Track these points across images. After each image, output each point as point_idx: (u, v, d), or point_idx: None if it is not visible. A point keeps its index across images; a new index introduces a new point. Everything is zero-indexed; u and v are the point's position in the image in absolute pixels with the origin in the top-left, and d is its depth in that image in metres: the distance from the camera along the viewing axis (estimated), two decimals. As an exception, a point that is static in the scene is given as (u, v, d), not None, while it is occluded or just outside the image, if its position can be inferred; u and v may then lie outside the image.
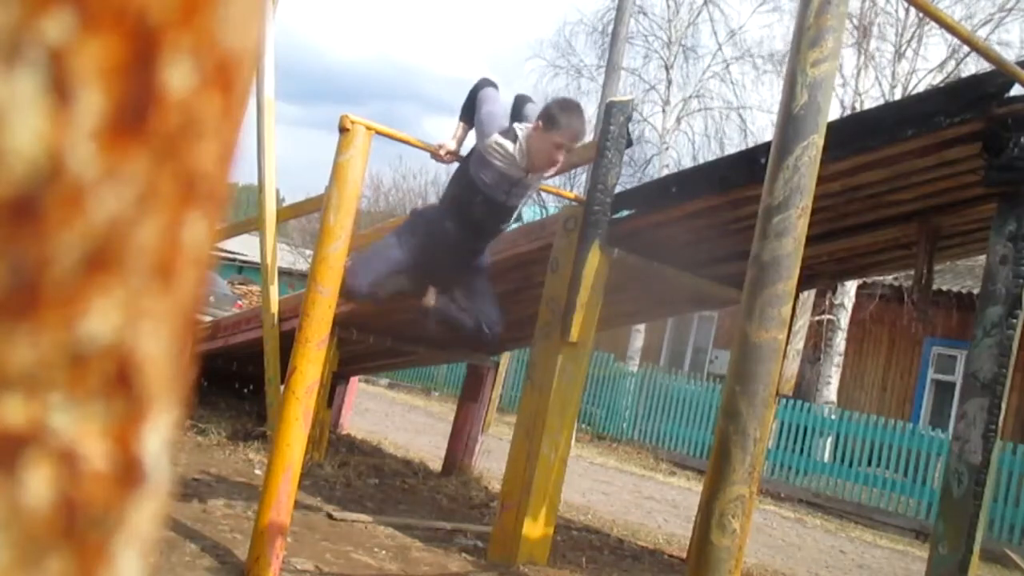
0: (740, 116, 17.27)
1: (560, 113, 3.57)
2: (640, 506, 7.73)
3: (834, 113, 2.50)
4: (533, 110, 3.86)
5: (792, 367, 4.77)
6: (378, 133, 3.48)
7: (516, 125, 3.66)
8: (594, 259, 4.05)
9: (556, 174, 4.02)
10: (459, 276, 3.91)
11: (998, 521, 9.61)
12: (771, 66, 16.47)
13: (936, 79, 13.55)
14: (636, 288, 4.77)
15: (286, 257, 19.02)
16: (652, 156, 17.22)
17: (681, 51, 17.14)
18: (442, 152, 3.80)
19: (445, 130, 4.33)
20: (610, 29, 17.08)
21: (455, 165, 3.87)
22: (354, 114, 3.40)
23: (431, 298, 3.90)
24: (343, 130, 3.38)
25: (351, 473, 5.36)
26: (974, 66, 12.63)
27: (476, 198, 3.67)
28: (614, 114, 4.10)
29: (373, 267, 3.73)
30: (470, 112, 3.75)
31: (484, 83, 3.81)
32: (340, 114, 3.39)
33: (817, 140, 2.22)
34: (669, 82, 17.02)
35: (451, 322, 3.93)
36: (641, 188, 4.59)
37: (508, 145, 3.59)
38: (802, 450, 11.69)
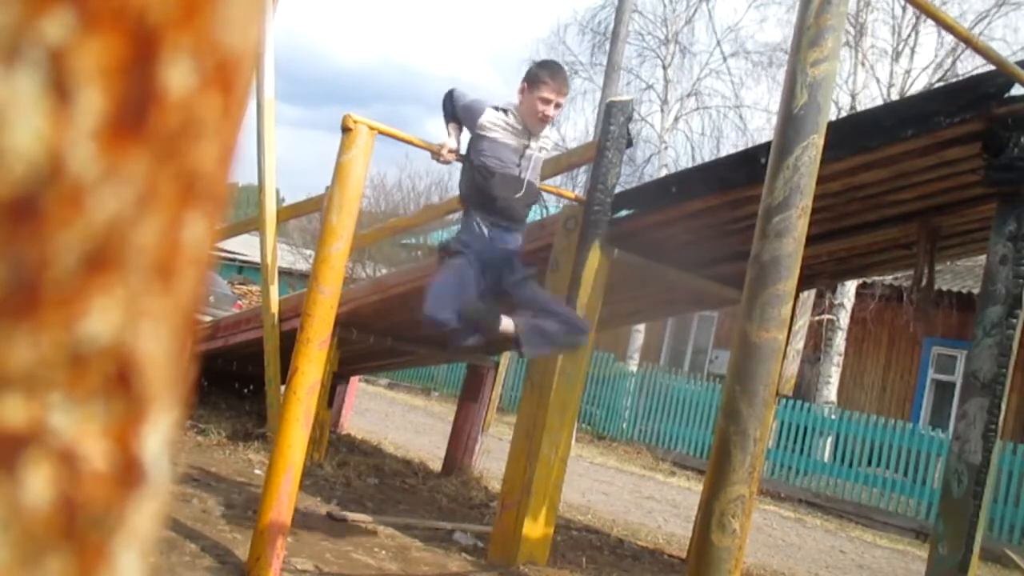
0: (739, 114, 17.27)
1: (540, 70, 3.68)
2: (640, 506, 7.73)
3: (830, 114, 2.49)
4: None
5: (792, 367, 4.78)
6: (380, 133, 3.48)
7: (502, 103, 3.73)
8: (594, 259, 4.05)
9: (546, 123, 3.90)
10: (507, 279, 3.74)
11: (998, 521, 9.61)
12: (766, 61, 16.43)
13: (934, 77, 13.54)
14: (636, 288, 4.77)
15: (286, 257, 19.00)
16: (651, 155, 17.23)
17: (678, 50, 17.13)
18: (444, 151, 3.80)
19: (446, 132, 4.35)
20: (602, 28, 17.10)
21: (457, 168, 3.87)
22: (357, 114, 3.40)
23: (509, 324, 3.62)
24: (346, 130, 3.38)
25: (351, 473, 5.36)
26: (971, 63, 12.63)
27: (492, 180, 3.63)
28: (614, 114, 4.11)
29: (448, 295, 3.50)
30: (453, 113, 3.76)
31: (452, 89, 3.85)
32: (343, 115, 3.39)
33: (817, 140, 2.23)
34: (667, 81, 17.01)
35: (545, 334, 3.69)
36: (641, 188, 4.59)
37: (502, 115, 3.65)
38: (802, 450, 11.69)
